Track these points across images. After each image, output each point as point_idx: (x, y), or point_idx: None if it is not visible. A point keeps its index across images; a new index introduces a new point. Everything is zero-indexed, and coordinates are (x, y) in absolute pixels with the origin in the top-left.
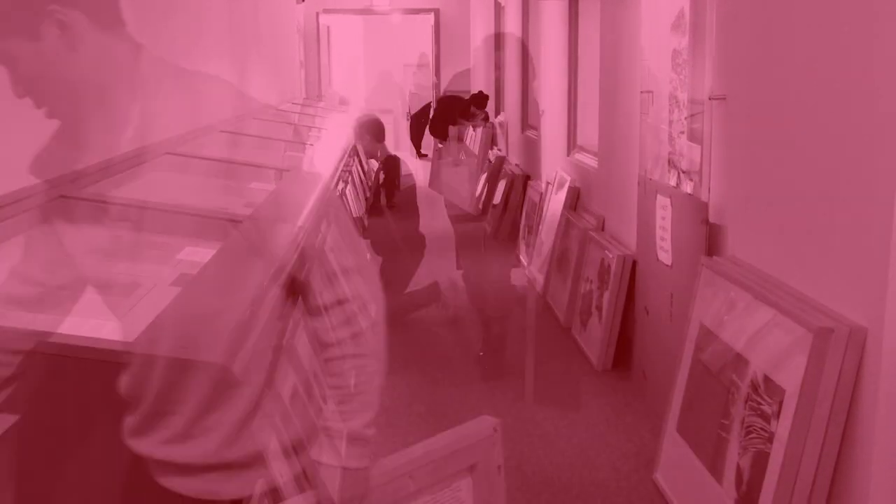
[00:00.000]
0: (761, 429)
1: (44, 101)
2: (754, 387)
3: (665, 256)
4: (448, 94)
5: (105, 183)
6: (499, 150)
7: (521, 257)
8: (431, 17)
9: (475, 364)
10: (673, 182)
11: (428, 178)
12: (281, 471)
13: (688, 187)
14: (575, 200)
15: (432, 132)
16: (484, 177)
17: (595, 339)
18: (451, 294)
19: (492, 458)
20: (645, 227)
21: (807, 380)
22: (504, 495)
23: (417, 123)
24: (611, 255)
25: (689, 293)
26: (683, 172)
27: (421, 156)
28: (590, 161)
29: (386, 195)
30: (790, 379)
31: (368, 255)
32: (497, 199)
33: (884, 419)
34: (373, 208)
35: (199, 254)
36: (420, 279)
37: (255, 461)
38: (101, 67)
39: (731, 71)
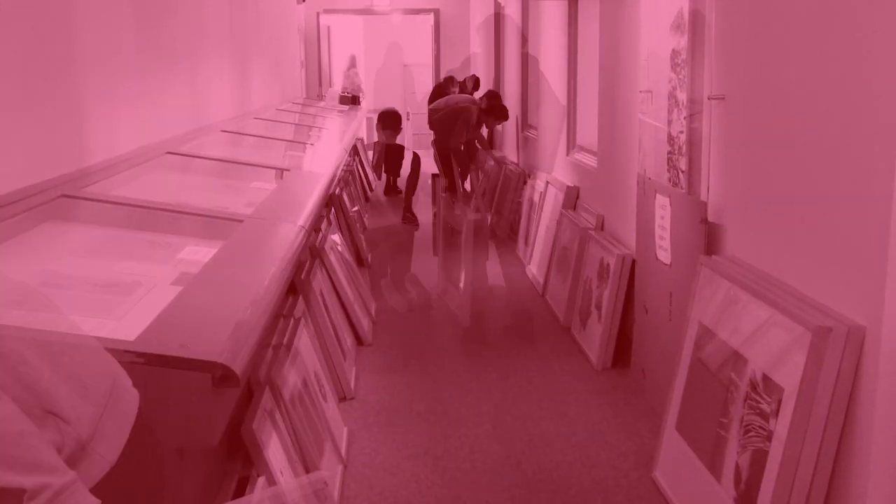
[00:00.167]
0: (760, 427)
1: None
2: (753, 385)
3: (664, 255)
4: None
5: (107, 182)
6: (498, 150)
7: (521, 256)
8: (431, 17)
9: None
10: (672, 181)
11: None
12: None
13: (687, 187)
14: (574, 200)
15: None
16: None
17: (594, 338)
18: None
19: None
20: (644, 226)
21: (805, 378)
22: None
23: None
24: (610, 255)
25: (688, 292)
26: (682, 172)
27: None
28: (589, 160)
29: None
30: (789, 378)
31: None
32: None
33: (882, 418)
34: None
35: (200, 253)
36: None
37: None
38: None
39: (730, 71)
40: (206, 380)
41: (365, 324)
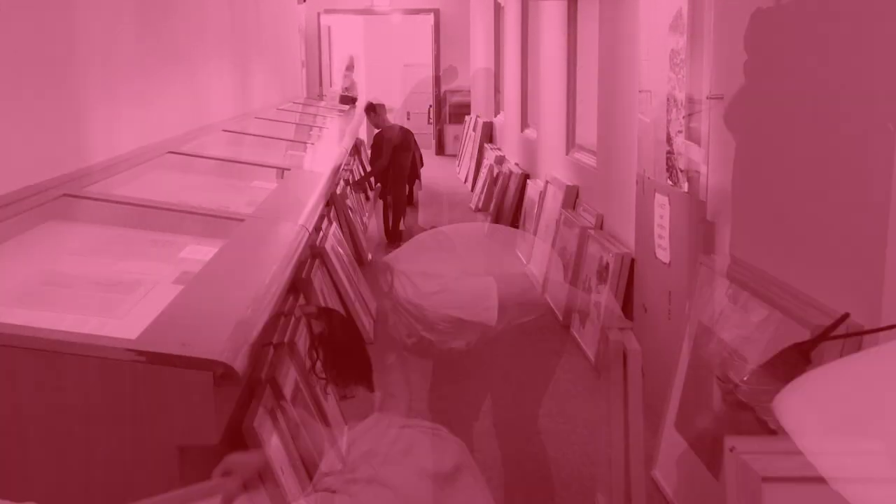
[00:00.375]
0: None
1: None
2: None
3: (663, 254)
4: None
5: (108, 182)
6: (497, 148)
7: (520, 255)
8: (431, 17)
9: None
10: (671, 181)
11: None
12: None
13: (686, 186)
14: (574, 199)
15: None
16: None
17: (594, 336)
18: None
19: None
20: (643, 225)
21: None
22: None
23: None
24: (609, 254)
25: (687, 291)
26: (681, 171)
27: None
28: (588, 160)
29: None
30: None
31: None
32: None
33: None
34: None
35: (201, 252)
36: None
37: None
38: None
39: (728, 70)
40: (207, 378)
41: (366, 322)
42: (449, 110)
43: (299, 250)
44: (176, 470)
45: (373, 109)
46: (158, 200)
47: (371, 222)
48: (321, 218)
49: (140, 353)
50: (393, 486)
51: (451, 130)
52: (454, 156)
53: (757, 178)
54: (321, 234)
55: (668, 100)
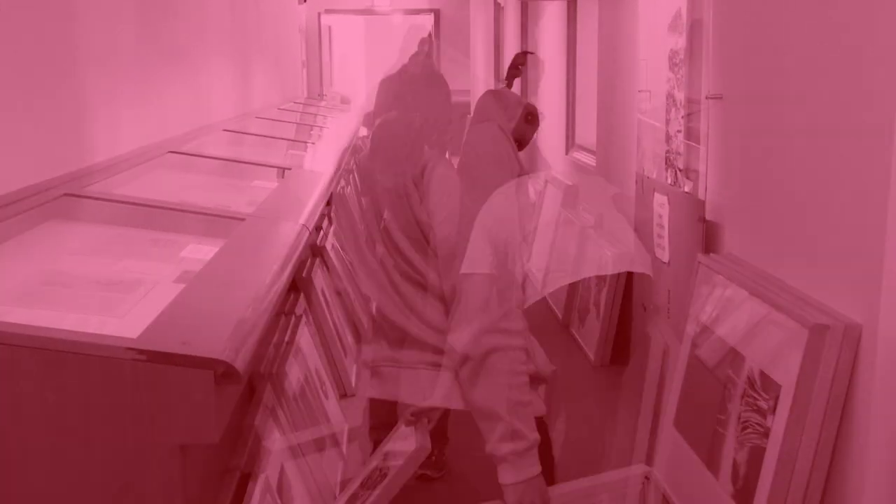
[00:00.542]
0: (757, 424)
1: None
2: (750, 382)
3: (662, 254)
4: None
5: (109, 181)
6: None
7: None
8: (431, 17)
9: None
10: (670, 180)
11: None
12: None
13: (685, 185)
14: (573, 198)
15: None
16: None
17: (593, 335)
18: None
19: None
20: (643, 224)
21: (802, 376)
22: None
23: None
24: (609, 253)
25: (686, 290)
26: (680, 171)
27: None
28: (588, 160)
29: None
30: (786, 375)
31: None
32: None
33: (878, 415)
34: None
35: (202, 251)
36: None
37: None
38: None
39: (727, 70)
40: (208, 377)
41: (366, 321)
42: None
43: (300, 249)
44: (177, 469)
45: None
46: (159, 200)
47: None
48: (322, 217)
49: (141, 351)
50: None
51: None
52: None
53: (756, 177)
54: (322, 233)
55: (667, 99)
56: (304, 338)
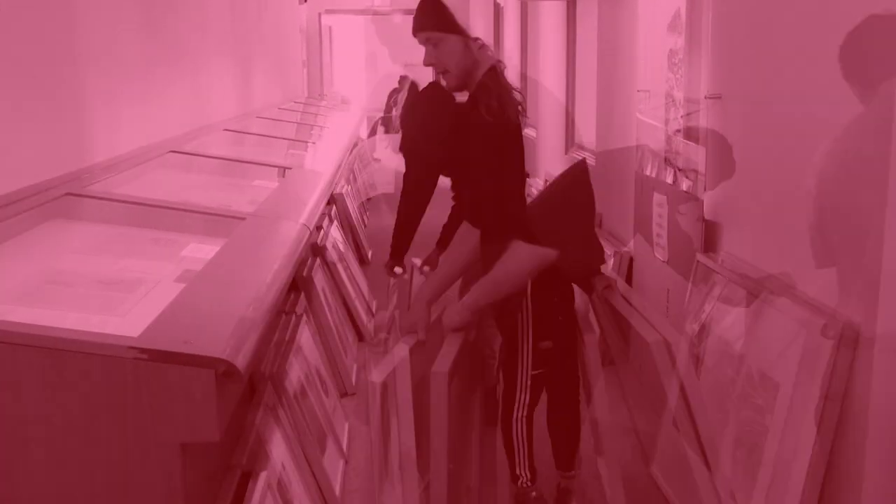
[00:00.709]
0: (756, 422)
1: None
2: (749, 381)
3: (661, 253)
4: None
5: (111, 181)
6: None
7: None
8: None
9: None
10: (669, 180)
11: None
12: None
13: (684, 185)
14: None
15: None
16: None
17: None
18: None
19: None
20: (642, 224)
21: (800, 374)
22: None
23: None
24: (608, 252)
25: (685, 289)
26: (679, 170)
27: None
28: (588, 159)
29: None
30: (784, 373)
31: None
32: None
33: (876, 414)
34: None
35: (203, 250)
36: None
37: None
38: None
39: (726, 70)
40: (209, 376)
41: (366, 320)
42: None
43: (300, 249)
44: (178, 467)
45: None
46: (160, 199)
47: (371, 220)
48: (322, 216)
49: (142, 350)
50: None
51: None
52: None
53: (755, 176)
54: (322, 232)
55: (666, 99)
56: (305, 337)
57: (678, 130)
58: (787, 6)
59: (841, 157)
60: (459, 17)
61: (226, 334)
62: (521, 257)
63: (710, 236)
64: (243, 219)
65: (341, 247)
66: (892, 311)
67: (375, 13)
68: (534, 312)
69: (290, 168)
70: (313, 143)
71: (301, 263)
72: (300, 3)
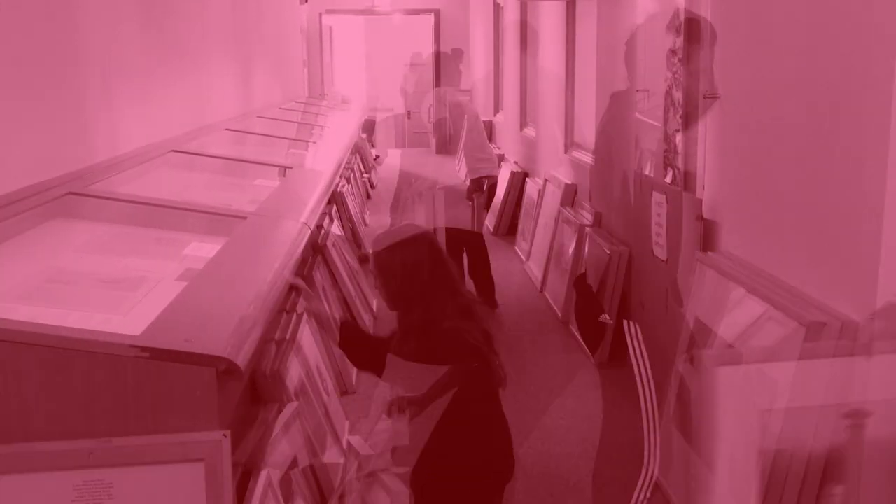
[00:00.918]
0: (755, 420)
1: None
2: (748, 379)
3: (660, 252)
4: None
5: (112, 180)
6: (496, 147)
7: (520, 253)
8: (432, 17)
9: None
10: (668, 179)
11: None
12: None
13: (683, 184)
14: (572, 197)
15: None
16: None
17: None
18: None
19: None
20: (641, 223)
21: (798, 372)
22: None
23: None
24: (607, 251)
25: (684, 287)
26: (678, 169)
27: None
28: (587, 158)
29: None
30: (782, 371)
31: None
32: None
33: (874, 412)
34: None
35: (204, 249)
36: None
37: None
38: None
39: (725, 70)
40: (210, 374)
41: (366, 318)
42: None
43: (301, 247)
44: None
45: None
46: (162, 198)
47: (371, 220)
48: (322, 215)
49: (144, 349)
50: None
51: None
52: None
53: (753, 176)
54: (323, 231)
55: (665, 99)
56: (305, 335)
57: (677, 130)
58: (785, 6)
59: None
60: None
61: (227, 333)
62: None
63: (708, 235)
64: (244, 218)
65: (341, 246)
66: (891, 309)
67: (375, 13)
68: None
69: (291, 167)
70: (314, 142)
71: (302, 262)
72: (301, 3)
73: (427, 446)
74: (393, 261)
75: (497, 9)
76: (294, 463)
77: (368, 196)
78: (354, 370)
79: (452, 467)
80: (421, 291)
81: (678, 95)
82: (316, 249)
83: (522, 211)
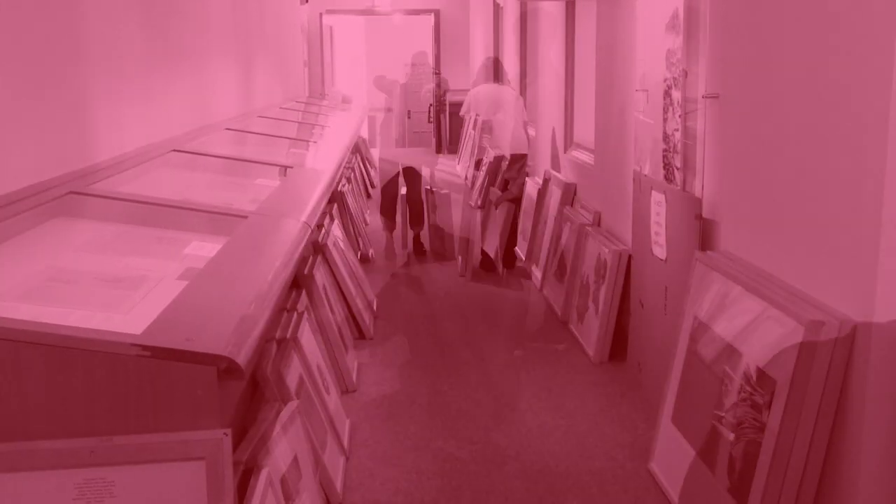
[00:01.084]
0: (753, 419)
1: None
2: (747, 378)
3: (660, 251)
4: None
5: (114, 179)
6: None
7: (519, 252)
8: (432, 17)
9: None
10: (667, 178)
11: None
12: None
13: (682, 183)
14: (572, 196)
15: None
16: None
17: (592, 332)
18: None
19: None
20: (640, 222)
21: (798, 371)
22: None
23: None
24: (607, 250)
25: (683, 287)
26: (678, 169)
27: None
28: (586, 158)
29: None
30: (782, 371)
31: None
32: None
33: (872, 410)
34: None
35: (205, 248)
36: None
37: None
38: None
39: (724, 70)
40: (211, 373)
41: (367, 318)
42: (449, 109)
43: (301, 247)
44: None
45: None
46: (163, 198)
47: (371, 219)
48: (323, 215)
49: (145, 347)
50: None
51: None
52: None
53: (752, 175)
54: (323, 230)
55: (664, 98)
56: (306, 334)
57: (676, 129)
58: (784, 6)
59: None
60: None
61: (228, 332)
62: None
63: (707, 234)
64: (245, 217)
65: (342, 245)
66: (889, 307)
67: (376, 14)
68: None
69: (292, 167)
70: (314, 142)
71: (302, 261)
72: (301, 3)
73: None
74: None
75: (497, 9)
76: (295, 461)
77: (369, 195)
78: (355, 368)
79: None
80: None
81: (677, 95)
82: (317, 249)
83: (522, 210)
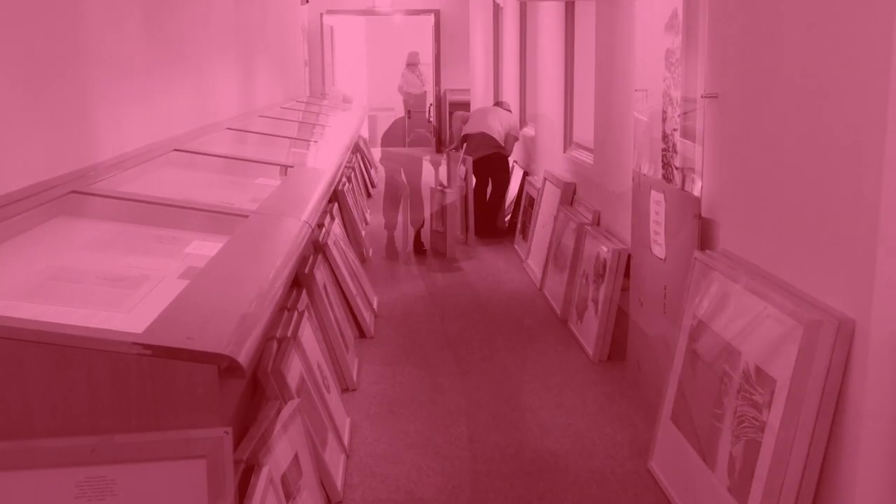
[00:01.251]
0: (753, 418)
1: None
2: (746, 377)
3: (659, 250)
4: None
5: (115, 179)
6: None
7: (519, 251)
8: (432, 17)
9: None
10: (667, 178)
11: None
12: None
13: (681, 183)
14: (571, 196)
15: None
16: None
17: (591, 330)
18: None
19: None
20: (639, 221)
21: (797, 370)
22: None
23: None
24: (606, 250)
25: (682, 286)
26: (677, 168)
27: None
28: (585, 157)
29: None
30: (781, 370)
31: None
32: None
33: (871, 409)
34: None
35: (206, 247)
36: None
37: None
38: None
39: (723, 69)
40: (212, 371)
41: (367, 317)
42: (449, 108)
43: (302, 246)
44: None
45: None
46: (164, 197)
47: (372, 219)
48: (323, 214)
49: (146, 346)
50: None
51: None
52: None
53: (751, 175)
54: (323, 230)
55: (663, 98)
56: (307, 333)
57: (675, 129)
58: (783, 5)
59: None
60: None
61: (228, 330)
62: None
63: (706, 234)
64: (246, 216)
65: (342, 244)
66: (888, 306)
67: (376, 14)
68: None
69: (292, 166)
70: (315, 141)
71: (303, 260)
72: (302, 3)
73: None
74: None
75: (497, 9)
76: (295, 460)
77: (369, 195)
78: (355, 367)
79: None
80: None
81: (676, 95)
82: (317, 248)
83: (521, 209)
